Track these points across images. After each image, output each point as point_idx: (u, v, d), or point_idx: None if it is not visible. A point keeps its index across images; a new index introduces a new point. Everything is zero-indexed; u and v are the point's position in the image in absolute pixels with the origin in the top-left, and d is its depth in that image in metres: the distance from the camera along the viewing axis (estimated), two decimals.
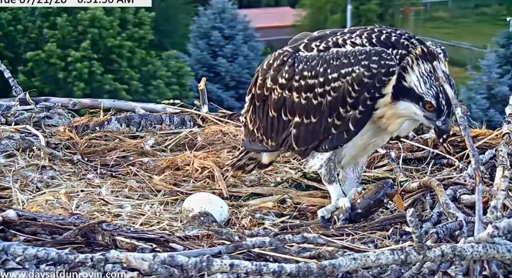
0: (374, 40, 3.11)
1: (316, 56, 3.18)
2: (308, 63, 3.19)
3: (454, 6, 42.21)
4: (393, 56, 3.05)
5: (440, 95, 3.00)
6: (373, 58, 3.04)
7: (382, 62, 3.03)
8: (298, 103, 3.21)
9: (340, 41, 3.17)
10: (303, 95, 3.18)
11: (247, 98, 3.56)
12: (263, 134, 3.45)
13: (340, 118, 3.12)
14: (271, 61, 3.35)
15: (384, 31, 3.17)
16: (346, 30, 3.27)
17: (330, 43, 3.19)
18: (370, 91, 3.04)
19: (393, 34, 3.15)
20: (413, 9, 39.27)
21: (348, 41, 3.15)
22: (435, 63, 3.10)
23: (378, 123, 3.17)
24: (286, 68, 3.25)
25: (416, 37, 3.20)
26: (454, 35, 35.20)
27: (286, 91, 3.25)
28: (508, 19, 29.13)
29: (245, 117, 3.60)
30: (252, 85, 3.49)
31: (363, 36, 3.15)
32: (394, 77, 3.04)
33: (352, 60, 3.07)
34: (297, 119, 3.24)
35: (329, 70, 3.12)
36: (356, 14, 32.48)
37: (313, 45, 3.24)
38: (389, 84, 3.05)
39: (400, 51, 3.09)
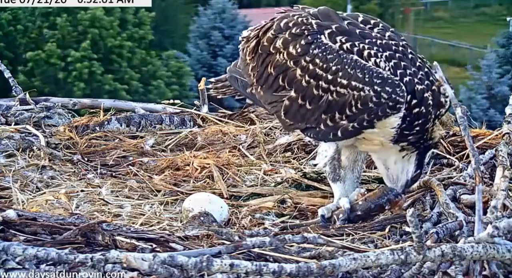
0: (397, 78, 3.03)
1: (334, 51, 3.11)
2: (324, 53, 3.12)
3: (454, 6, 42.23)
4: (405, 94, 2.99)
5: (405, 189, 3.26)
6: (387, 88, 2.99)
7: (393, 96, 2.98)
8: (299, 80, 3.17)
9: (365, 54, 3.07)
10: (307, 77, 3.15)
11: (253, 32, 3.47)
12: (255, 77, 3.39)
13: (332, 121, 3.11)
14: (290, 24, 3.27)
15: (408, 72, 3.05)
16: (378, 40, 3.12)
17: (355, 49, 3.09)
18: (370, 115, 3.02)
19: (416, 79, 3.06)
20: (413, 9, 39.27)
21: (372, 59, 3.06)
22: (435, 63, 3.10)
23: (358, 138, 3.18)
24: (302, 42, 3.18)
25: (433, 86, 3.10)
26: (454, 35, 35.22)
27: (292, 63, 3.20)
28: (508, 19, 29.15)
29: (246, 43, 3.51)
30: (262, 28, 3.40)
31: (391, 62, 3.06)
32: (399, 114, 3.01)
33: (367, 79, 3.01)
34: (293, 94, 3.20)
35: (340, 73, 3.06)
36: None
37: (338, 38, 3.14)
38: (389, 118, 3.02)
39: (422, 108, 3.05)
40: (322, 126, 3.14)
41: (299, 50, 3.18)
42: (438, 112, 3.13)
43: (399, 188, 3.25)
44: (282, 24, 3.30)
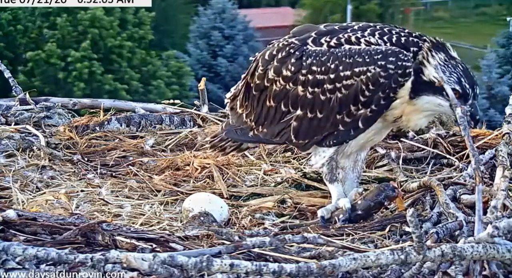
0: (388, 44, 3.08)
1: (326, 52, 3.14)
2: (317, 58, 3.14)
3: (454, 6, 42.24)
4: (409, 57, 3.03)
5: (462, 79, 2.99)
6: (390, 58, 3.01)
7: (399, 63, 3.00)
8: (302, 97, 3.18)
9: (353, 39, 3.13)
10: (310, 89, 3.15)
11: (240, 83, 3.53)
12: (253, 121, 3.41)
13: (350, 116, 3.10)
14: (274, 52, 3.30)
15: (393, 32, 3.14)
16: (356, 26, 3.23)
17: (342, 40, 3.14)
18: (385, 91, 3.03)
19: (402, 34, 3.13)
20: (413, 9, 39.30)
21: (362, 40, 3.11)
22: (435, 63, 3.10)
23: (396, 122, 3.17)
24: (293, 61, 3.20)
25: (422, 36, 3.18)
26: (454, 35, 35.21)
27: (290, 84, 3.21)
28: (508, 19, 29.17)
29: (233, 101, 3.57)
30: (248, 73, 3.44)
31: (375, 36, 3.12)
32: (411, 79, 3.03)
33: (368, 59, 3.04)
34: (299, 112, 3.21)
35: (341, 67, 3.08)
36: (356, 14, 32.49)
37: (322, 40, 3.19)
38: (405, 85, 3.03)
39: (412, 48, 3.08)
40: (340, 127, 3.14)
41: (292, 69, 3.20)
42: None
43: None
44: (267, 57, 3.33)
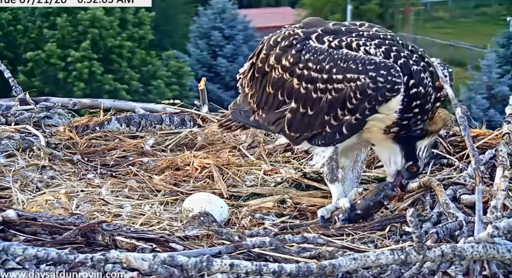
0: (391, 60, 3.05)
1: (325, 51, 3.15)
2: (315, 56, 3.16)
3: (454, 6, 42.24)
4: (400, 74, 3.01)
5: (425, 168, 3.35)
6: (381, 71, 3.00)
7: (389, 78, 3.00)
8: (297, 90, 3.20)
9: (354, 45, 3.11)
10: (304, 84, 3.18)
11: (248, 62, 3.57)
12: (255, 103, 3.44)
13: (336, 120, 3.12)
14: (279, 39, 3.33)
15: (402, 54, 3.08)
16: (365, 33, 3.17)
17: (343, 43, 3.14)
18: (371, 102, 3.03)
19: (411, 61, 3.07)
20: (413, 9, 39.28)
21: (362, 48, 3.09)
22: (434, 63, 3.10)
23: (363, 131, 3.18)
24: (293, 52, 3.22)
25: (430, 67, 3.12)
26: (454, 35, 35.21)
27: (287, 75, 3.24)
28: (508, 19, 29.15)
29: (243, 79, 3.62)
30: (255, 54, 3.48)
31: (381, 48, 3.08)
32: (398, 96, 3.02)
33: (360, 68, 3.03)
34: (293, 105, 3.23)
35: (334, 70, 3.09)
36: (356, 14, 32.48)
37: (325, 38, 3.19)
38: (391, 101, 3.03)
39: (420, 88, 3.04)
40: (327, 128, 3.15)
41: (291, 60, 3.22)
42: (439, 95, 3.13)
43: (390, 177, 3.28)
44: (271, 42, 3.36)
